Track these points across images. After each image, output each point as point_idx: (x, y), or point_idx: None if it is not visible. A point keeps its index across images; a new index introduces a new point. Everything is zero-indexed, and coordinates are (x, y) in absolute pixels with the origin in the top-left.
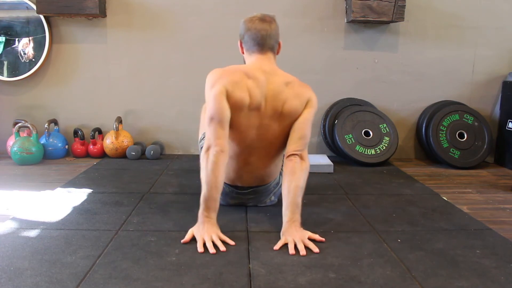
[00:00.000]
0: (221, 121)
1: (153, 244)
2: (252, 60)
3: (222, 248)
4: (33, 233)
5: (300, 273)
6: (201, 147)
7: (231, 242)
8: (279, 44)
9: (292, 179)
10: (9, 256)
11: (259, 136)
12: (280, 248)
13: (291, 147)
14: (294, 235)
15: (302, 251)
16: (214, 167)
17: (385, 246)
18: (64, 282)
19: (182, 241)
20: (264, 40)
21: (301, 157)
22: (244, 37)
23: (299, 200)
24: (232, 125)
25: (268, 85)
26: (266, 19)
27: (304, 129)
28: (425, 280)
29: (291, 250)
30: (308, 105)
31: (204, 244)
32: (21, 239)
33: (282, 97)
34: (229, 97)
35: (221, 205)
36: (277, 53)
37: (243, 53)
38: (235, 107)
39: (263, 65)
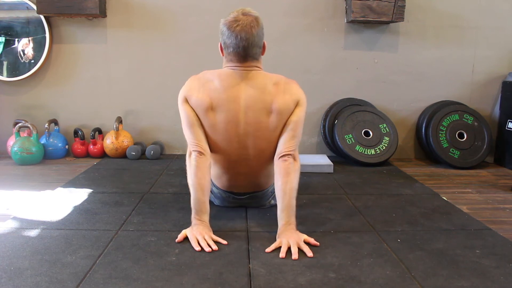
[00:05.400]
0: (192, 125)
1: (153, 244)
2: (232, 66)
3: (214, 247)
4: (33, 233)
5: (300, 273)
6: None
7: (224, 242)
8: (263, 45)
9: (287, 180)
10: (9, 256)
11: (246, 148)
12: (273, 251)
13: (284, 147)
14: (289, 238)
15: (295, 255)
16: (196, 170)
17: (385, 246)
18: (64, 282)
19: (176, 240)
20: (246, 51)
21: (294, 158)
22: (223, 43)
23: (294, 202)
24: (211, 140)
25: (246, 94)
26: (248, 25)
27: (297, 129)
28: (425, 280)
29: (282, 253)
30: (300, 103)
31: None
32: (21, 239)
33: (269, 97)
34: (195, 108)
35: (220, 207)
36: (262, 54)
37: (223, 55)
38: (209, 124)
39: (243, 74)
